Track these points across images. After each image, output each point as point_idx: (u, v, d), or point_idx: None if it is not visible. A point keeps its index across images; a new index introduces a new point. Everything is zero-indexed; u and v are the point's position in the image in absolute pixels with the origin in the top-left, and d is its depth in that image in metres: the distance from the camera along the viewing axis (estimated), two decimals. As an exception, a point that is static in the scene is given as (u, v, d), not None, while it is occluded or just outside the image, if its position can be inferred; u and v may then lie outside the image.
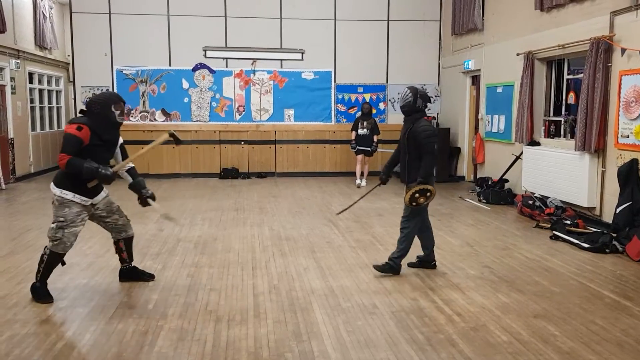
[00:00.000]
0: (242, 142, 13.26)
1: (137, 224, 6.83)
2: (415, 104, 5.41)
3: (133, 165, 5.15)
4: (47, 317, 4.43)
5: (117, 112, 4.84)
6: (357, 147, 11.53)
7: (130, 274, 5.33)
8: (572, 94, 8.68)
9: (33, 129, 13.33)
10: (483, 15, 11.36)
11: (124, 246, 5.25)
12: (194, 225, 7.86)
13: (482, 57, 11.40)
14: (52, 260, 4.84)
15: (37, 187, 11.61)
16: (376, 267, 5.60)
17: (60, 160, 4.62)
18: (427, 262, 5.81)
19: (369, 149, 11.55)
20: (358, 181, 11.66)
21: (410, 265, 5.78)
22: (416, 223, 5.58)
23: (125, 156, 5.13)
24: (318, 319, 4.44)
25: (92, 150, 4.72)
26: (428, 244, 5.77)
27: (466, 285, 5.27)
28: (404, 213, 5.63)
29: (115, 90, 12.70)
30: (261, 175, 13.26)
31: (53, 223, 4.81)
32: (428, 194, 5.39)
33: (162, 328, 4.22)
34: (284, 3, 13.15)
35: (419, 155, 5.39)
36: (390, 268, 5.54)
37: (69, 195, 4.77)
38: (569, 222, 7.44)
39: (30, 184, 12.08)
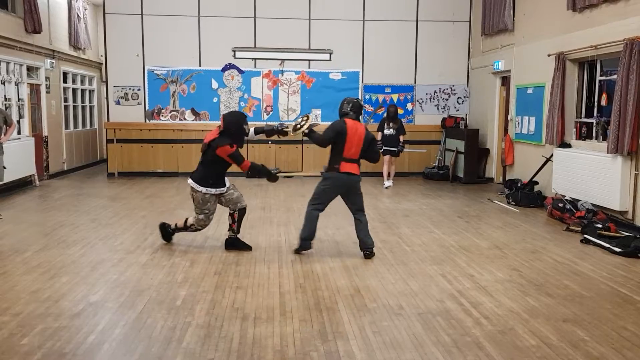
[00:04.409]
0: (270, 142, 13.34)
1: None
2: (341, 108, 6.35)
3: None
4: (79, 311, 4.53)
5: (246, 128, 6.18)
6: (384, 148, 11.40)
7: (233, 243, 6.44)
8: (604, 96, 8.52)
9: (66, 127, 13.64)
10: (513, 16, 11.22)
11: (237, 217, 6.36)
12: (221, 224, 7.93)
13: (513, 58, 11.26)
14: (188, 230, 6.48)
15: (69, 184, 11.86)
16: (295, 250, 6.37)
17: (245, 168, 6.23)
18: (364, 249, 6.29)
19: (395, 149, 11.49)
20: (385, 182, 11.61)
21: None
22: (311, 203, 6.34)
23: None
24: (344, 318, 4.45)
25: (224, 160, 6.14)
26: (358, 234, 6.31)
27: (494, 288, 5.22)
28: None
29: (147, 90, 12.95)
30: (288, 175, 13.31)
31: (200, 214, 6.29)
32: (306, 118, 6.36)
33: (190, 324, 4.28)
34: (313, 4, 13.18)
35: (333, 148, 6.26)
36: (299, 247, 6.34)
37: (211, 190, 6.19)
38: (600, 225, 7.30)
39: (63, 181, 12.35)
